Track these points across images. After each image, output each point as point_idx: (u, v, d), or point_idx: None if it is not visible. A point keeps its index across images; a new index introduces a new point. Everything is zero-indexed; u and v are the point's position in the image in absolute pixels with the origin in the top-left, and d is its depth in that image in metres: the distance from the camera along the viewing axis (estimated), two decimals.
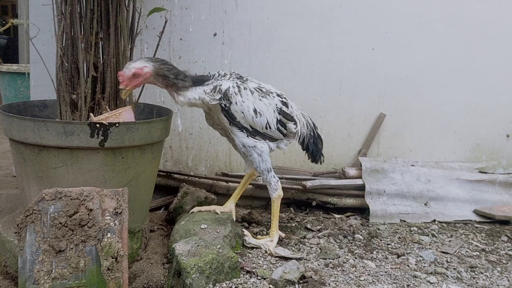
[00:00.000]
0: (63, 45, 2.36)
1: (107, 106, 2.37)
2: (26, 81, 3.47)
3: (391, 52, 3.56)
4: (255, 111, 2.41)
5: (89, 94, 2.37)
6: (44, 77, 2.66)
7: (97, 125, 2.09)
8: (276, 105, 2.51)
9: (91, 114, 2.33)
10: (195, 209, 2.71)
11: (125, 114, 2.26)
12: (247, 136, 2.46)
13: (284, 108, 2.54)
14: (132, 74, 2.23)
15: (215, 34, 3.25)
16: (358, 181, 3.28)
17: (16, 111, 2.44)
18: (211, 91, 2.36)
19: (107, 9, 2.37)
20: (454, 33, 3.65)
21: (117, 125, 2.12)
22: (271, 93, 2.52)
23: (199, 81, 2.39)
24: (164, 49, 3.14)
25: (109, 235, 1.98)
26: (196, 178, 3.20)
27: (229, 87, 2.37)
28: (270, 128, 2.48)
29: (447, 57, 3.66)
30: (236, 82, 2.41)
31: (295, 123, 2.60)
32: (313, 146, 2.70)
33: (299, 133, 2.63)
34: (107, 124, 2.10)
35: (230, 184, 3.19)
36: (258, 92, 2.45)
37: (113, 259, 1.97)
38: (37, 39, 2.71)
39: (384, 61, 3.55)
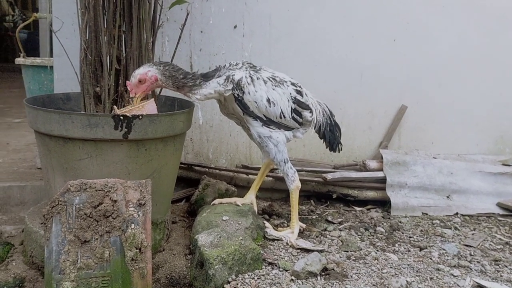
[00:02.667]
0: (87, 38, 2.38)
1: (130, 99, 2.38)
2: (49, 74, 3.51)
3: (413, 43, 3.51)
4: (268, 100, 2.41)
5: (112, 87, 2.40)
6: (67, 70, 2.69)
7: (121, 117, 2.11)
8: (290, 94, 2.50)
9: (115, 107, 2.36)
10: (216, 201, 2.72)
11: (148, 107, 2.28)
12: (262, 126, 2.46)
13: (299, 97, 2.53)
14: (138, 81, 2.26)
15: (235, 26, 3.24)
16: (379, 174, 3.26)
17: (41, 103, 2.48)
18: (225, 81, 2.37)
19: (130, 2, 2.39)
20: (476, 23, 3.59)
21: (140, 117, 2.14)
22: (285, 82, 2.51)
23: (210, 75, 2.40)
24: (185, 41, 3.15)
25: (133, 226, 2.00)
26: (217, 171, 3.22)
27: (241, 77, 2.37)
28: (284, 117, 2.47)
29: (469, 47, 3.60)
30: (249, 72, 2.41)
31: (311, 111, 2.58)
32: (329, 134, 2.68)
33: (315, 121, 2.62)
34: (130, 116, 2.12)
35: (250, 176, 3.19)
36: (272, 81, 2.45)
37: (137, 250, 1.99)
38: (60, 32, 2.74)
39: (406, 52, 3.51)
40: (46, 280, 1.92)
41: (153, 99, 2.38)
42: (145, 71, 2.27)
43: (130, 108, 2.26)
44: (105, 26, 2.37)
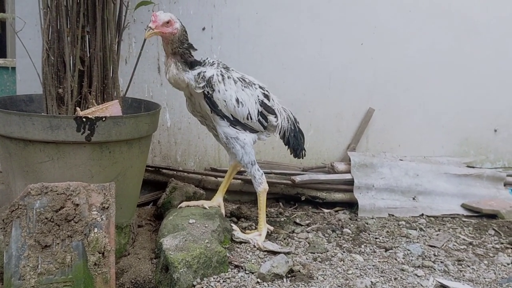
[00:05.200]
0: (49, 38, 2.33)
1: (93, 101, 2.35)
2: (12, 75, 3.42)
3: (380, 47, 3.56)
4: (237, 100, 2.41)
5: (75, 88, 2.35)
6: (30, 72, 2.63)
7: (84, 119, 2.07)
8: (258, 96, 2.50)
9: (78, 109, 2.31)
10: (183, 204, 2.70)
11: (112, 108, 2.25)
12: (229, 126, 2.45)
13: (266, 101, 2.54)
14: (167, 21, 2.22)
15: (203, 29, 3.23)
16: (347, 176, 3.29)
17: (2, 105, 2.41)
18: (195, 77, 2.35)
19: (94, 2, 2.35)
20: (443, 28, 3.66)
21: (103, 119, 2.11)
22: (254, 84, 2.52)
23: (196, 64, 2.39)
24: (152, 43, 3.12)
25: (96, 230, 1.96)
26: (185, 173, 3.19)
27: (213, 75, 2.36)
28: (251, 119, 2.47)
29: (435, 51, 3.67)
30: (220, 71, 2.41)
31: (276, 116, 2.59)
32: (293, 140, 2.70)
33: (280, 127, 2.63)
34: (93, 118, 2.09)
35: (219, 179, 3.17)
36: (241, 82, 2.45)
37: (100, 254, 1.96)
38: (24, 33, 2.68)
39: (373, 56, 3.56)
40: (5, 286, 1.87)
41: (117, 100, 2.35)
42: (176, 20, 2.26)
43: (94, 109, 2.22)
44: (68, 27, 2.33)
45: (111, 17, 2.39)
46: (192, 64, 2.36)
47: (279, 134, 2.66)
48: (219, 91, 2.37)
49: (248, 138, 2.49)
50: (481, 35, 3.74)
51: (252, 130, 2.53)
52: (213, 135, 2.68)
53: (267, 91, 2.57)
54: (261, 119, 2.51)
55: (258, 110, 2.50)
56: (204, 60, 2.45)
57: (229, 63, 3.23)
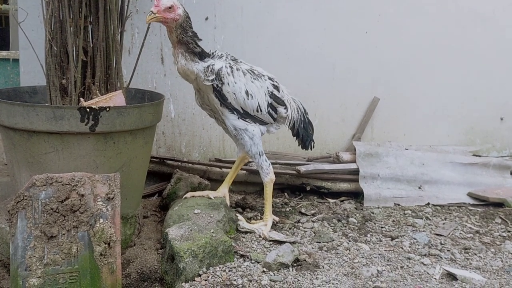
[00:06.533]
0: (52, 29, 2.32)
1: (97, 91, 2.34)
2: (15, 67, 3.42)
3: (384, 35, 3.53)
4: (246, 93, 2.39)
5: (79, 79, 2.34)
6: (34, 63, 2.63)
7: (87, 109, 2.06)
8: (268, 88, 2.48)
9: (82, 99, 2.31)
10: (188, 194, 2.69)
11: (116, 99, 2.24)
12: (238, 119, 2.43)
13: (275, 92, 2.52)
14: (169, 6, 2.19)
15: (206, 18, 3.21)
16: (352, 166, 3.27)
17: (6, 97, 2.41)
18: (204, 70, 2.33)
19: None
20: (447, 16, 3.62)
21: (107, 109, 2.10)
22: (263, 75, 2.50)
23: (205, 55, 2.36)
24: (155, 34, 3.10)
25: (101, 220, 1.96)
26: (190, 164, 3.18)
27: (221, 67, 2.34)
28: (261, 111, 2.46)
29: (440, 40, 3.63)
30: (229, 63, 2.38)
31: (286, 108, 2.57)
32: (303, 131, 2.68)
33: (290, 118, 2.61)
34: (97, 108, 2.08)
35: (224, 170, 3.17)
36: (250, 74, 2.43)
37: (106, 245, 1.95)
38: (26, 24, 2.67)
39: (378, 44, 3.53)
40: (12, 277, 1.87)
41: (120, 91, 2.34)
42: (179, 5, 2.22)
43: (97, 100, 2.21)
44: (71, 17, 2.31)
45: (113, 6, 2.37)
46: (200, 55, 2.33)
47: (289, 125, 2.64)
48: (228, 84, 2.35)
49: (257, 129, 2.48)
50: (486, 24, 3.70)
51: (262, 122, 2.52)
52: (223, 129, 2.66)
53: (276, 82, 2.55)
54: (271, 111, 2.50)
55: (268, 102, 2.48)
56: (213, 53, 2.43)
57: (233, 53, 3.19)
